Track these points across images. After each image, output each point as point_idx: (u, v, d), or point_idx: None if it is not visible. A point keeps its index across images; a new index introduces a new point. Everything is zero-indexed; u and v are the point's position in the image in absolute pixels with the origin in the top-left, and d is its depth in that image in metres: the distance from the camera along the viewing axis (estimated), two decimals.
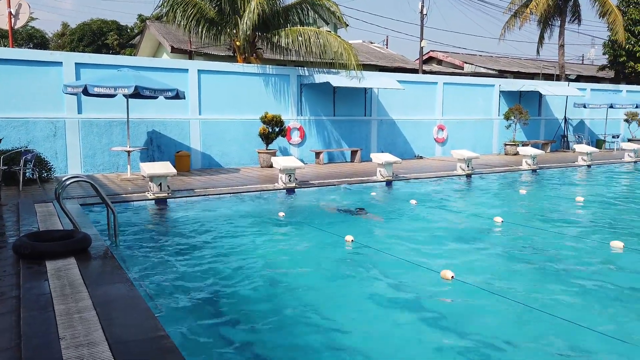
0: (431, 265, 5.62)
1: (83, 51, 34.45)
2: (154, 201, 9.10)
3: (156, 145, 13.46)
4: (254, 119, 14.51)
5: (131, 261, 5.81)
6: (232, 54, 16.87)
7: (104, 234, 6.55)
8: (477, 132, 19.59)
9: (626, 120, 22.81)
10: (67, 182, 5.76)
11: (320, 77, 15.21)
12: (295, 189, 10.63)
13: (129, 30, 39.89)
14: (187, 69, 13.86)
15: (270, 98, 15.14)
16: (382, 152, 15.75)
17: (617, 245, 6.52)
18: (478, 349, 3.85)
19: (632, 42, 25.68)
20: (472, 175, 13.31)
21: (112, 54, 33.97)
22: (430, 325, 4.32)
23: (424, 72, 24.96)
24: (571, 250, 6.59)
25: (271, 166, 12.94)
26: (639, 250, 6.48)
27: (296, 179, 10.93)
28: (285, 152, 15.30)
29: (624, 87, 24.26)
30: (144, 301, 3.86)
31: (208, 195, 9.78)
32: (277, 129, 14.19)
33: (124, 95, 11.33)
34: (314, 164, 15.46)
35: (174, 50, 20.36)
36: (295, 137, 15.55)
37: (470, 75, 25.04)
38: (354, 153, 16.34)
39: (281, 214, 8.39)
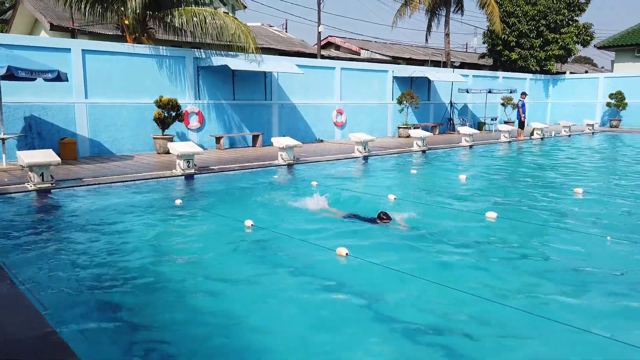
0: (328, 244, 5.87)
1: None
2: (35, 193, 8.37)
3: (36, 132, 12.30)
4: (148, 103, 13.83)
5: (11, 258, 5.34)
6: (121, 34, 15.83)
7: None
8: (373, 116, 20.50)
9: (502, 104, 25.30)
10: None
11: (218, 60, 14.86)
12: (195, 175, 10.39)
13: None
14: (70, 49, 12.77)
15: (165, 81, 14.51)
16: (284, 136, 15.89)
17: (491, 215, 7.31)
18: (372, 315, 4.16)
19: (507, 33, 28.37)
20: (369, 157, 13.97)
21: None
22: (328, 299, 4.55)
23: (323, 57, 25.45)
24: (453, 222, 7.25)
25: (168, 152, 12.49)
26: (508, 219, 7.32)
27: (195, 165, 10.67)
28: (183, 138, 14.81)
29: (500, 74, 26.78)
30: (28, 299, 3.61)
31: (98, 184, 9.20)
32: (173, 114, 13.67)
33: None
34: (215, 149, 15.17)
35: (54, 27, 18.61)
36: (194, 121, 15.10)
37: (366, 61, 26.01)
38: (255, 137, 16.28)
39: (178, 201, 8.18)
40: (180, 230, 6.88)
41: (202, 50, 15.13)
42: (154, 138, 13.80)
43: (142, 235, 6.44)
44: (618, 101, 25.92)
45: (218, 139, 15.31)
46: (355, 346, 3.73)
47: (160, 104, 13.43)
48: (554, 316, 4.05)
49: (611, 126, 26.40)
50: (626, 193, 9.49)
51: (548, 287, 4.83)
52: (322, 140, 18.39)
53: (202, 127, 15.35)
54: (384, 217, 6.84)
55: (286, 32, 32.81)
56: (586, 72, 33.61)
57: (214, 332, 3.92)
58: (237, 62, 14.85)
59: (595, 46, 31.49)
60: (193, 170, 10.43)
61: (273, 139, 12.74)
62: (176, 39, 16.12)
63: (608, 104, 26.49)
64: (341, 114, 19.21)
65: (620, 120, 26.31)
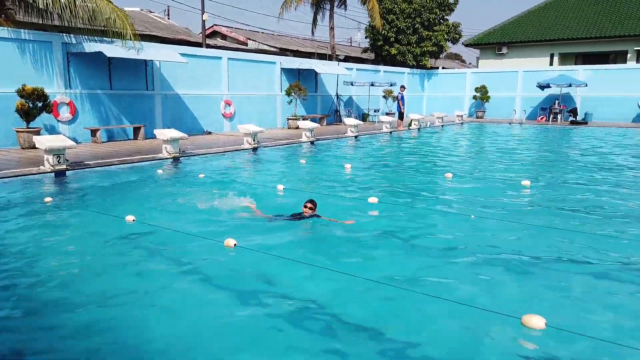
0: (216, 236, 5.79)
1: None
2: None
3: None
4: (9, 93, 12.36)
5: None
6: None
7: None
8: (262, 107, 20.45)
9: (384, 97, 26.77)
10: None
11: (91, 46, 13.72)
12: (67, 172, 9.54)
13: None
14: None
15: (28, 68, 13.05)
16: (169, 128, 15.20)
17: (372, 200, 7.76)
18: (261, 303, 4.21)
19: (387, 29, 30.00)
20: (258, 149, 13.95)
21: None
22: (218, 290, 4.52)
23: (209, 46, 24.74)
24: (338, 207, 7.55)
25: (35, 147, 11.30)
26: (388, 203, 7.82)
27: (67, 160, 9.80)
28: (53, 131, 13.48)
29: (382, 68, 28.27)
30: None
31: None
32: (39, 104, 12.36)
33: None
34: (91, 143, 14.05)
35: None
36: (65, 113, 13.82)
37: (254, 52, 25.84)
38: (136, 130, 15.37)
39: (48, 199, 7.46)
40: (51, 231, 6.29)
41: (72, 35, 13.84)
42: (17, 131, 12.37)
43: (5, 240, 5.78)
44: (482, 94, 28.82)
45: (94, 132, 14.19)
46: (248, 343, 3.75)
47: (23, 93, 12.06)
48: (427, 290, 4.45)
49: (477, 117, 29.30)
50: (487, 175, 10.65)
51: (423, 263, 5.28)
52: (210, 132, 17.94)
53: (75, 119, 14.10)
54: (308, 205, 6.49)
55: (168, 19, 31.34)
56: (442, 67, 36.80)
57: (94, 339, 3.68)
58: (114, 49, 13.85)
59: (463, 44, 34.63)
60: (65, 166, 9.57)
61: (156, 131, 12.15)
62: (41, 22, 14.55)
63: (474, 97, 29.34)
64: (229, 105, 18.89)
65: (484, 111, 29.30)
